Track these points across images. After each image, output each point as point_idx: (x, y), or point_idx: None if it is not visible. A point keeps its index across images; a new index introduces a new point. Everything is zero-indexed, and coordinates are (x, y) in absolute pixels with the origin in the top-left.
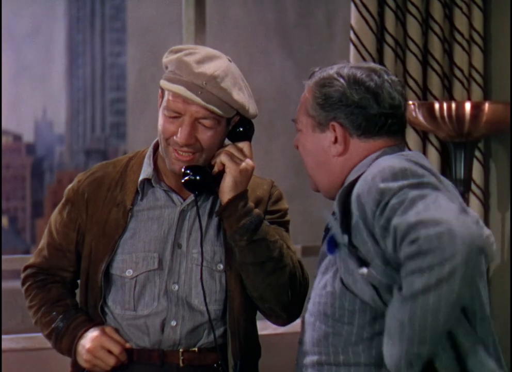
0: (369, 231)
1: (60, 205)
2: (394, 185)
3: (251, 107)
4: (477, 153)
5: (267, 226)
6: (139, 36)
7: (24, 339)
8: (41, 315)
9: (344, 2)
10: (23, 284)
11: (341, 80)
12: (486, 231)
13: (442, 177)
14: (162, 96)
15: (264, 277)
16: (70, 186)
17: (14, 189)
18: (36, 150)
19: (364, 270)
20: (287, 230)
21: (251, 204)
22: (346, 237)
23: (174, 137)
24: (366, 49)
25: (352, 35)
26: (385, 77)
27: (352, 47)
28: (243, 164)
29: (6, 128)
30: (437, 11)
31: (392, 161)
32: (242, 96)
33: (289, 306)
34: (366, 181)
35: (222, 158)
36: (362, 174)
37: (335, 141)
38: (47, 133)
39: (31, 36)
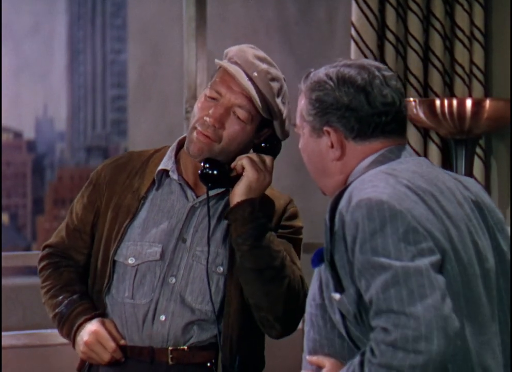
0: (348, 258)
1: (83, 188)
2: (366, 226)
3: (286, 123)
4: (478, 150)
5: (272, 236)
6: (140, 33)
7: (24, 336)
8: (48, 298)
9: None
10: (39, 263)
11: (330, 82)
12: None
13: (447, 184)
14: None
15: (261, 285)
16: (96, 169)
17: (15, 186)
18: (37, 147)
19: (337, 296)
20: (297, 248)
21: (259, 213)
22: (329, 255)
23: (204, 117)
24: (367, 46)
25: (353, 32)
26: (376, 73)
27: (353, 44)
28: (262, 174)
29: (7, 125)
30: (438, 8)
31: (373, 187)
32: (283, 106)
33: (284, 318)
34: (347, 203)
35: (244, 161)
36: (347, 186)
37: (332, 146)
38: (48, 130)
39: (32, 33)
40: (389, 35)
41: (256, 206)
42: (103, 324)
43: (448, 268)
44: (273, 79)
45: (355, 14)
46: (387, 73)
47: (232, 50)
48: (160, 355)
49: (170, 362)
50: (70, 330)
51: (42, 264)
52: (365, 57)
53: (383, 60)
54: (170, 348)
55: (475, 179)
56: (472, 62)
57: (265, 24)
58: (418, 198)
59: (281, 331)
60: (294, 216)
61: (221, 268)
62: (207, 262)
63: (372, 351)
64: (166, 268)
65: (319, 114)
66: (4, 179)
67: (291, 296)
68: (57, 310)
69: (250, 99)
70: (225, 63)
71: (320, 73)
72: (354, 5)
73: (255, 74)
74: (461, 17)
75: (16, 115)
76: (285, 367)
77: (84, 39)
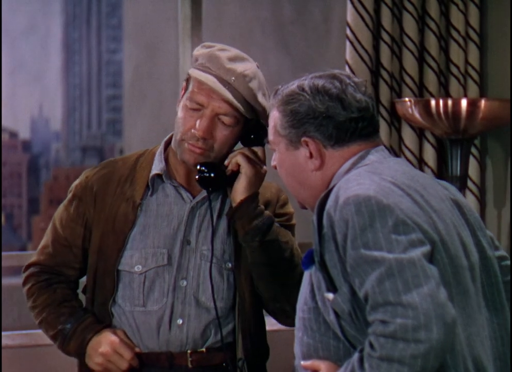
0: (340, 257)
1: (65, 202)
2: (356, 222)
3: None
4: (473, 150)
5: (277, 227)
6: (135, 33)
7: (19, 336)
8: (46, 316)
9: None
10: (25, 283)
11: (304, 93)
12: (489, 233)
13: (428, 182)
14: (186, 89)
15: (276, 277)
16: (77, 182)
17: (10, 186)
18: (32, 147)
19: (330, 295)
20: (293, 234)
21: (261, 206)
22: (319, 256)
23: (192, 130)
24: (362, 46)
25: (348, 32)
26: (347, 81)
27: (348, 44)
28: (258, 167)
29: (2, 125)
30: (433, 8)
31: (359, 185)
32: (264, 100)
33: None
34: (335, 203)
35: (238, 158)
36: (333, 187)
37: (311, 156)
38: (43, 130)
39: (27, 33)
40: (385, 35)
41: (257, 201)
42: (115, 334)
43: (438, 258)
44: (251, 79)
45: (350, 14)
46: (357, 80)
47: (203, 55)
48: (179, 360)
49: (190, 366)
50: (79, 345)
51: (30, 283)
52: (360, 57)
53: (378, 60)
54: (189, 351)
55: (470, 178)
56: (467, 62)
57: (261, 23)
58: (404, 193)
59: None
60: (286, 202)
61: (230, 264)
62: (211, 261)
63: (371, 344)
64: (175, 272)
65: (296, 126)
66: None
67: None
68: (59, 327)
69: (232, 105)
70: (201, 75)
71: (291, 86)
72: (349, 5)
73: (233, 79)
74: (456, 17)
75: (12, 115)
76: (280, 365)
77: (79, 39)
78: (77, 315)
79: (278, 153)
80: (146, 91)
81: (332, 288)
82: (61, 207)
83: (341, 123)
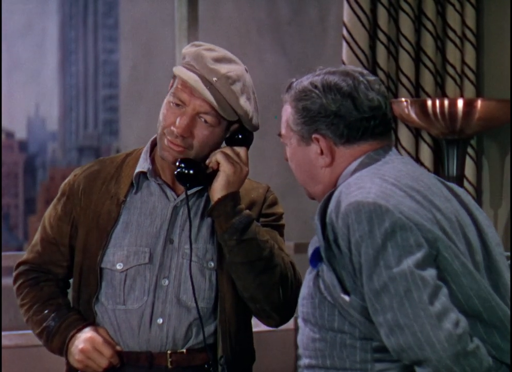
0: (344, 263)
1: (55, 200)
2: (356, 230)
3: (254, 118)
4: (470, 150)
5: (257, 226)
6: (132, 33)
7: (16, 336)
8: (32, 314)
9: None
10: (15, 282)
11: (316, 90)
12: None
13: (432, 181)
14: (172, 85)
15: (254, 277)
16: (66, 180)
17: (7, 186)
18: (28, 147)
19: (346, 298)
20: (281, 234)
21: (241, 205)
22: (325, 253)
23: (172, 127)
24: (359, 46)
25: (344, 32)
26: (360, 78)
27: (344, 44)
28: (238, 166)
29: None
30: (430, 8)
31: (359, 189)
32: (248, 104)
33: (281, 306)
34: (336, 208)
35: (218, 156)
36: (335, 190)
37: (321, 153)
38: (40, 130)
39: (24, 33)
40: (381, 36)
41: (237, 200)
42: (97, 331)
43: (446, 255)
44: (234, 81)
45: (347, 14)
46: (371, 78)
47: (189, 53)
48: (159, 360)
49: (170, 366)
50: (62, 342)
51: (19, 282)
52: (357, 57)
53: (374, 60)
54: (169, 352)
55: (467, 179)
56: (463, 62)
57: (257, 24)
58: (405, 194)
59: (279, 320)
60: (274, 203)
61: (212, 264)
62: (190, 260)
63: None
64: (157, 270)
65: (307, 122)
66: None
67: (285, 284)
68: (44, 325)
69: (212, 105)
70: (184, 73)
71: (304, 82)
72: (346, 5)
73: (215, 79)
74: (453, 18)
75: (8, 115)
76: (276, 366)
77: (76, 38)
78: (61, 313)
79: (290, 148)
80: (143, 91)
81: (345, 289)
82: (51, 205)
83: (353, 122)
